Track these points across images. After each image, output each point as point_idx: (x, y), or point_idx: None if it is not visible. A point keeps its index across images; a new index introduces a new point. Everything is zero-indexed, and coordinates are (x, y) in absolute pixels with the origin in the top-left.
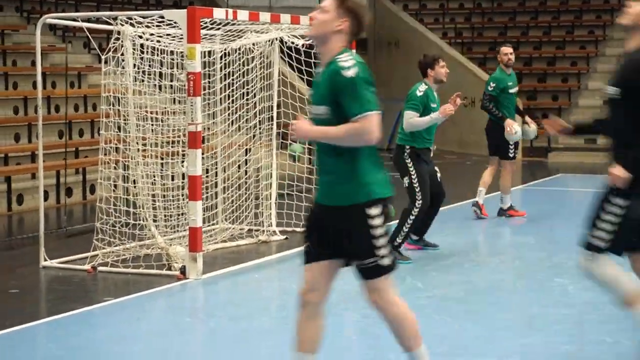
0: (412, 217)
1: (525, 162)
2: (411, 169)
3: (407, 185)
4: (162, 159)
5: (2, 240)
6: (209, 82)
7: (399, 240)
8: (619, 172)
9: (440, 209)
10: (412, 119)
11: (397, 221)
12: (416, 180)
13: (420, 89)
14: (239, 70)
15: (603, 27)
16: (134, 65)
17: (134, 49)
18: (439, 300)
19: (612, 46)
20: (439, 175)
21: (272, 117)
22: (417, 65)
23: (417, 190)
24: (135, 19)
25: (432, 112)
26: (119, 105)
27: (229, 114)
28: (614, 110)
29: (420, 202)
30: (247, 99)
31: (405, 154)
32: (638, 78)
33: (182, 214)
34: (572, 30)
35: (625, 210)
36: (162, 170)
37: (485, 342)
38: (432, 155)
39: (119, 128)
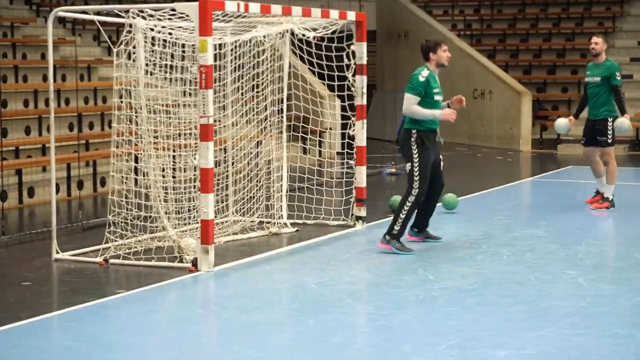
0: (408, 204)
1: (535, 154)
2: (415, 155)
3: (408, 170)
4: (173, 151)
5: (14, 233)
6: (219, 75)
7: (397, 227)
8: None
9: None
10: (413, 106)
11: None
12: (417, 167)
13: (423, 74)
14: (250, 62)
15: (612, 19)
16: (145, 57)
17: (145, 42)
18: (451, 292)
19: (622, 38)
20: (442, 164)
21: (282, 109)
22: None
23: (416, 177)
24: (146, 11)
25: (434, 96)
26: (130, 98)
27: (240, 107)
28: None
29: (418, 189)
30: (257, 92)
31: (412, 138)
32: None
33: (194, 206)
34: (581, 22)
35: None
36: (173, 162)
37: (498, 334)
38: (441, 145)
39: (130, 120)
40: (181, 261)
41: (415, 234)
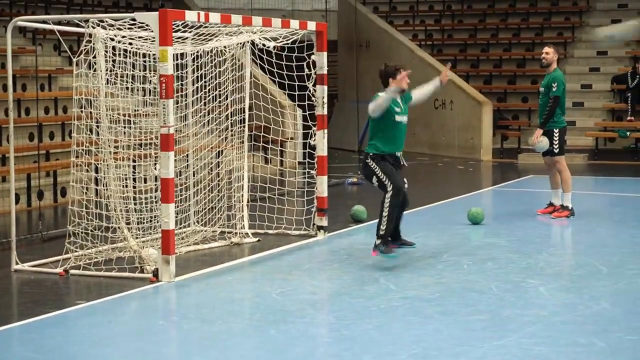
0: (387, 203)
1: (496, 163)
2: (375, 168)
3: (376, 183)
4: (134, 161)
5: None
6: (181, 85)
7: (382, 228)
8: None
9: (414, 209)
10: (372, 104)
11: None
12: (381, 173)
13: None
14: (211, 72)
15: (572, 29)
16: (106, 67)
17: (105, 52)
18: (412, 301)
19: (581, 48)
20: (406, 186)
21: (244, 119)
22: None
23: (384, 180)
24: (106, 21)
25: (396, 115)
26: (90, 108)
27: (201, 117)
28: None
29: (392, 186)
30: (219, 101)
31: (369, 158)
32: None
33: (155, 216)
34: (541, 32)
35: None
36: (134, 172)
37: (459, 343)
38: (405, 167)
39: (90, 130)
40: (142, 271)
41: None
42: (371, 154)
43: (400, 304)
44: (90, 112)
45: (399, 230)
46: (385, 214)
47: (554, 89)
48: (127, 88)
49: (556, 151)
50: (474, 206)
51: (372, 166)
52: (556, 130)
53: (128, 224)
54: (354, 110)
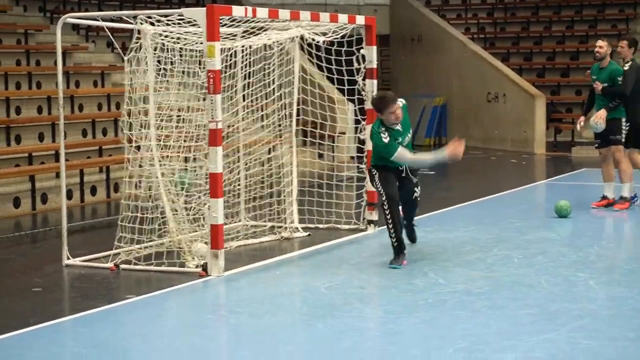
0: (387, 213)
1: (549, 157)
2: (375, 175)
3: (376, 189)
4: (185, 156)
5: (26, 239)
6: (230, 79)
7: (392, 239)
8: None
9: (465, 203)
10: (406, 157)
11: None
12: (378, 180)
13: (383, 137)
14: (260, 67)
15: (626, 21)
16: (155, 63)
17: (155, 48)
18: (460, 295)
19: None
20: (416, 194)
21: (292, 113)
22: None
23: (379, 188)
24: (155, 17)
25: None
26: (141, 104)
27: (251, 111)
28: None
29: (384, 195)
30: (267, 96)
31: (372, 167)
32: None
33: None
34: (595, 25)
35: None
36: (185, 168)
37: (507, 337)
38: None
39: (141, 126)
40: (183, 266)
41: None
42: (373, 164)
43: (448, 297)
44: (142, 109)
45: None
46: (389, 223)
47: (619, 81)
48: (177, 84)
49: (622, 140)
50: (562, 199)
51: (372, 172)
52: (624, 119)
53: (176, 217)
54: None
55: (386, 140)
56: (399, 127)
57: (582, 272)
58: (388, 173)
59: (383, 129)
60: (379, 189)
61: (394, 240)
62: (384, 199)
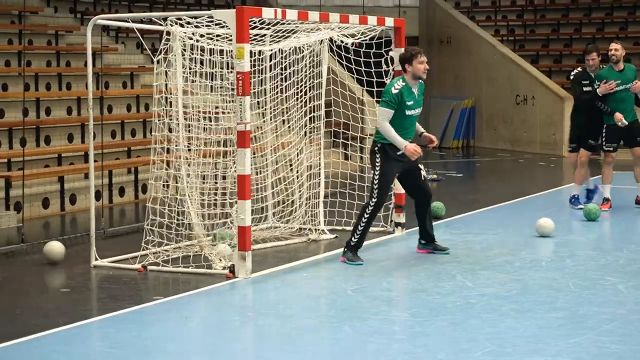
0: (366, 215)
1: None
2: (377, 165)
3: (371, 179)
4: (213, 158)
5: (54, 239)
6: (260, 80)
7: (354, 239)
8: None
9: (493, 206)
10: (384, 122)
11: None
12: (378, 179)
13: (397, 85)
14: (290, 69)
15: None
16: (184, 65)
17: (184, 49)
18: (488, 298)
19: None
20: (423, 173)
21: (321, 115)
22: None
23: (375, 188)
24: (184, 19)
25: (406, 110)
26: (170, 106)
27: (279, 113)
28: None
29: (375, 200)
30: (297, 98)
31: (377, 148)
32: None
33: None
34: (625, 27)
35: None
36: (215, 170)
37: (534, 341)
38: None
39: (170, 129)
40: (210, 268)
41: (423, 246)
42: (379, 144)
43: (476, 301)
44: (169, 110)
45: (432, 235)
46: (361, 226)
47: None
48: (206, 85)
49: None
50: (591, 203)
51: (376, 160)
52: None
53: (203, 220)
54: (436, 106)
55: (395, 91)
56: (415, 92)
57: (611, 276)
58: (390, 167)
59: (404, 84)
60: (374, 190)
61: (356, 240)
62: (372, 202)
